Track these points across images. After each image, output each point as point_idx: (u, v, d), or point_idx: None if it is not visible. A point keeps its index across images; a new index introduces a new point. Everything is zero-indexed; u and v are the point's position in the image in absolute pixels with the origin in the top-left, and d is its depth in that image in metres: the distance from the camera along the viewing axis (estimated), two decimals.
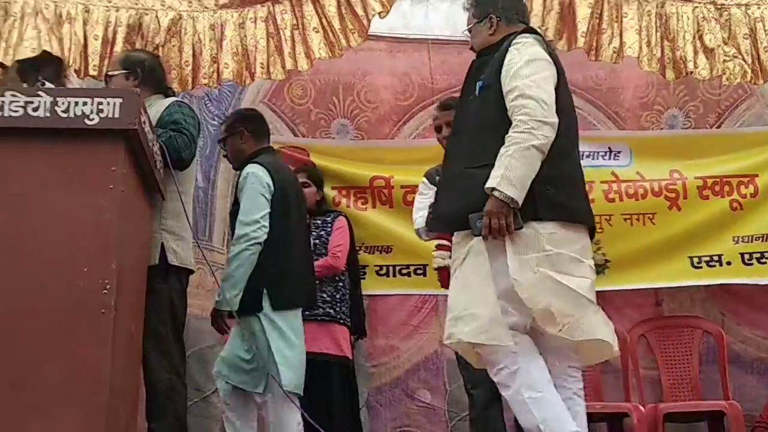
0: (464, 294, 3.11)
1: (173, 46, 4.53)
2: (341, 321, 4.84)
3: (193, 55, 4.55)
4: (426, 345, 5.47)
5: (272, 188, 4.01)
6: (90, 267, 2.70)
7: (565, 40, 4.59)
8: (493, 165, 2.99)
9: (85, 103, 2.79)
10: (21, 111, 2.78)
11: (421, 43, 5.72)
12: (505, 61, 3.15)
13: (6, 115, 2.77)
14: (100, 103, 2.80)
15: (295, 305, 4.06)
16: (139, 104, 2.91)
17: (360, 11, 4.53)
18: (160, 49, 4.49)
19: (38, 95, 2.80)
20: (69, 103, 2.79)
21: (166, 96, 3.86)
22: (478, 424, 4.25)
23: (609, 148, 5.62)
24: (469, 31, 3.50)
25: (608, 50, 4.59)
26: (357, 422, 4.98)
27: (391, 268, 5.49)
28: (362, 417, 5.15)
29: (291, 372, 3.90)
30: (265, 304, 3.92)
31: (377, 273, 5.49)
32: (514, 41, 3.20)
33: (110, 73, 3.84)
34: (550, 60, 3.17)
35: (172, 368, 3.60)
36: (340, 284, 4.91)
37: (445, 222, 3.36)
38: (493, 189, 2.94)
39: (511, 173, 2.93)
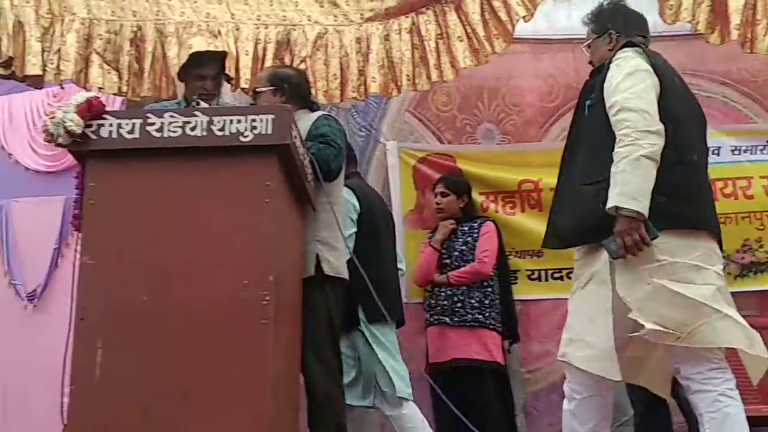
0: (582, 319, 3.19)
1: (319, 59, 4.61)
2: (491, 326, 4.82)
3: (341, 69, 4.62)
4: None
5: (358, 208, 4.28)
6: (249, 279, 2.79)
7: (717, 34, 4.42)
8: (601, 181, 3.02)
9: (239, 121, 2.89)
10: (179, 131, 2.90)
11: (565, 43, 5.62)
12: (607, 78, 3.17)
13: (165, 135, 2.90)
14: (254, 121, 2.88)
15: (388, 318, 4.15)
16: (290, 120, 2.99)
17: (504, 16, 4.49)
18: (307, 61, 4.57)
19: (195, 115, 2.91)
20: (224, 121, 2.89)
21: (312, 111, 3.94)
22: (642, 428, 4.20)
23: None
24: (588, 46, 3.54)
25: (764, 42, 4.38)
26: (513, 428, 4.94)
27: (543, 273, 5.44)
28: (518, 423, 5.11)
29: (401, 380, 4.04)
30: (361, 317, 4.16)
31: (529, 277, 5.45)
32: (614, 57, 3.22)
33: (258, 89, 3.92)
34: (651, 70, 3.14)
35: (330, 376, 3.66)
36: (489, 290, 4.89)
37: (560, 238, 3.39)
38: (617, 208, 2.94)
39: (627, 188, 2.94)
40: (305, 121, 3.78)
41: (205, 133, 2.89)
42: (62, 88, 4.93)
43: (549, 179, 5.38)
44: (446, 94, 5.70)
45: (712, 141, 5.27)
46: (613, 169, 2.98)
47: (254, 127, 2.88)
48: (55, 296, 5.91)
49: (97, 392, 2.73)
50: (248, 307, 2.77)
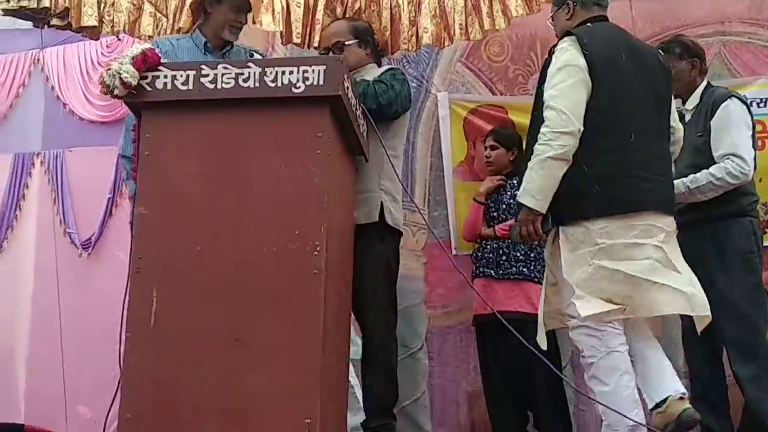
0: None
1: (372, 11, 4.55)
2: (536, 279, 4.78)
3: (392, 20, 4.56)
4: None
5: None
6: (301, 230, 2.81)
7: None
8: None
9: (291, 72, 2.90)
10: (232, 82, 2.92)
11: None
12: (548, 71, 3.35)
13: (219, 87, 2.92)
14: (306, 71, 2.89)
15: None
16: (342, 71, 2.98)
17: None
18: (361, 15, 4.51)
19: (248, 66, 2.93)
20: (276, 72, 2.91)
21: (379, 66, 3.92)
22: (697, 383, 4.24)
23: None
24: (552, 18, 3.67)
25: None
26: (559, 379, 4.94)
27: None
28: (566, 374, 5.10)
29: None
30: None
31: None
32: (556, 48, 3.37)
33: (346, 42, 3.89)
34: (581, 64, 3.26)
35: (386, 324, 3.69)
36: (535, 243, 4.86)
37: None
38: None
39: (531, 186, 3.27)
40: (372, 74, 3.76)
41: (257, 85, 2.91)
42: (119, 39, 4.93)
43: None
44: (499, 44, 5.61)
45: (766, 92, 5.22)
46: (528, 163, 3.28)
47: (306, 78, 2.89)
48: (109, 244, 6.02)
49: (152, 339, 2.80)
50: (299, 258, 2.79)
